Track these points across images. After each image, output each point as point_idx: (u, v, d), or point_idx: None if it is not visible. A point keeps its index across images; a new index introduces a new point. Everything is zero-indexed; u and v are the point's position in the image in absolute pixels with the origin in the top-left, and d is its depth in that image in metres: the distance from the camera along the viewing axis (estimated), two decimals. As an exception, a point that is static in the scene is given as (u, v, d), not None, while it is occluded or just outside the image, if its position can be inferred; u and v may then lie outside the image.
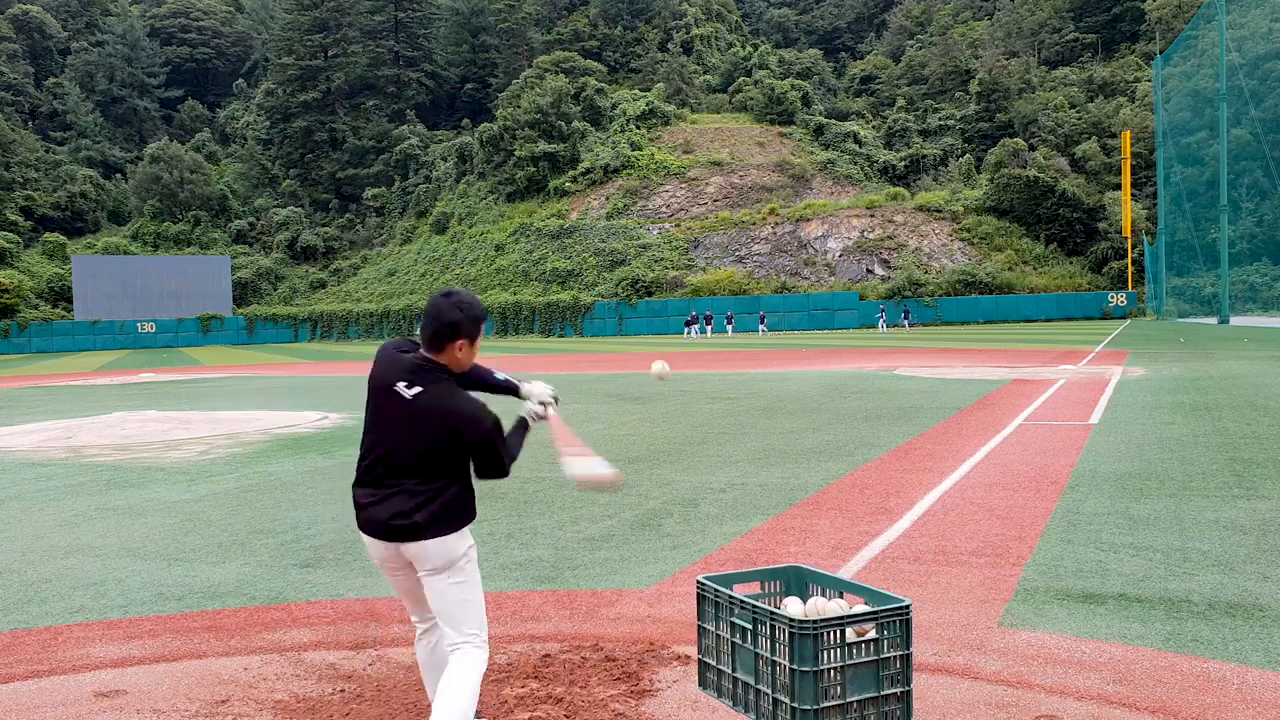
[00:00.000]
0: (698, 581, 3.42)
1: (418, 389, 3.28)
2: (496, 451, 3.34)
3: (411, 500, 3.31)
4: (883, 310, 59.55)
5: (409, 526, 3.32)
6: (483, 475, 3.40)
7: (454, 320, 3.31)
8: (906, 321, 59.24)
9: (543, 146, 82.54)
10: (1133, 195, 66.29)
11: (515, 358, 38.02)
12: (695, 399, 17.20)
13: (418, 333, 3.44)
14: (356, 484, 3.48)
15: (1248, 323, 49.70)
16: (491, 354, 42.56)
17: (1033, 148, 75.99)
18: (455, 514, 3.40)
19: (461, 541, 3.44)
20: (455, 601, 3.41)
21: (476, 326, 3.36)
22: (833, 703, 2.98)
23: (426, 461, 3.31)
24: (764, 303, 65.68)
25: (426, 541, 3.34)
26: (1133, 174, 67.65)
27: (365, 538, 3.49)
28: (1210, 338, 35.15)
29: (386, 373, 3.36)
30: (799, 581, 3.51)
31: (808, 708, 2.96)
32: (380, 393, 3.37)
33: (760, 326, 60.67)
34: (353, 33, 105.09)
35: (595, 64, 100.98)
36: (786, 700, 3.00)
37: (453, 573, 3.41)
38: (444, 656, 3.48)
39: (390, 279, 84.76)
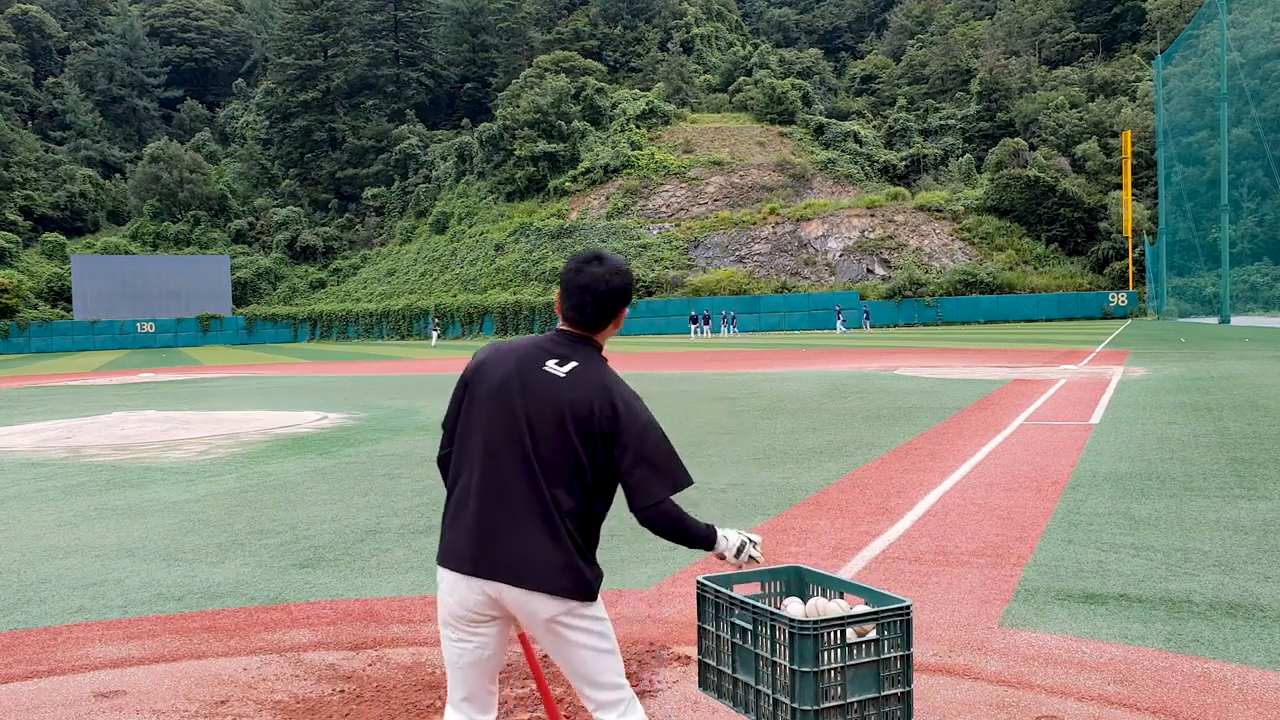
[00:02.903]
0: (698, 582, 3.41)
1: (572, 364, 2.76)
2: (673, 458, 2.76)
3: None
4: (839, 310, 59.33)
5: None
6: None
7: (620, 290, 2.82)
8: (868, 323, 59.25)
9: (543, 146, 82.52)
10: (1134, 195, 66.28)
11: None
12: (695, 399, 17.19)
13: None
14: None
15: (1249, 322, 49.68)
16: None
17: (1033, 147, 75.97)
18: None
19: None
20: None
21: (632, 289, 2.92)
22: (833, 703, 2.97)
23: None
24: (764, 302, 65.69)
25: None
26: (1134, 174, 67.63)
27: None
28: (1211, 338, 35.14)
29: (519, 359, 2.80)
30: (799, 582, 3.51)
31: (808, 708, 2.95)
32: (509, 389, 2.75)
33: (731, 327, 59.72)
34: (352, 32, 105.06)
35: (595, 64, 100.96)
36: (787, 701, 3.00)
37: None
38: None
39: (390, 279, 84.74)
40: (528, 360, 2.77)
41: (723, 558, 2.92)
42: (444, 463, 2.90)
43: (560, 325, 2.88)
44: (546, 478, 2.67)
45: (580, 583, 2.69)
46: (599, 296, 2.79)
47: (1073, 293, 63.84)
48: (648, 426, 2.74)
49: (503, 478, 2.70)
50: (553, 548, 2.67)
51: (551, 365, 2.76)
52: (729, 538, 2.92)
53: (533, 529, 2.67)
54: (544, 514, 2.67)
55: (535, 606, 2.68)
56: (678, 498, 2.77)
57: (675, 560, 6.27)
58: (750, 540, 2.97)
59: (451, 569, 2.73)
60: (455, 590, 2.72)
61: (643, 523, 2.72)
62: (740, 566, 3.01)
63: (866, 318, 59.98)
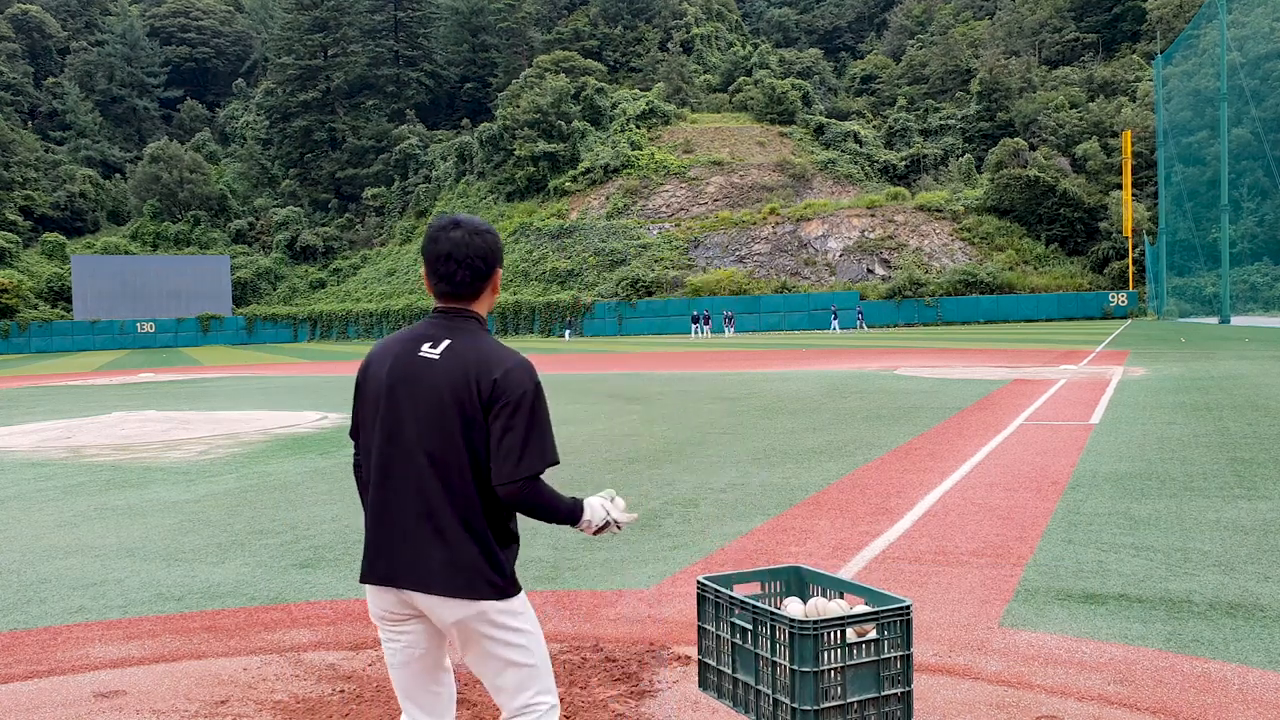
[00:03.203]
0: (698, 582, 3.41)
1: (446, 343, 2.62)
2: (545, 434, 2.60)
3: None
4: (835, 310, 59.43)
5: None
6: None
7: (486, 250, 2.67)
8: (862, 323, 59.16)
9: (543, 146, 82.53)
10: (1134, 195, 66.28)
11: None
12: (695, 399, 17.19)
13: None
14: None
15: (1249, 322, 49.68)
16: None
17: (1033, 147, 75.97)
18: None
19: None
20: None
21: (502, 249, 2.77)
22: (833, 703, 2.97)
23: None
24: (764, 302, 65.70)
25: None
26: (1134, 174, 67.63)
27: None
28: (1211, 338, 35.13)
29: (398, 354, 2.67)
30: (799, 582, 3.51)
31: (808, 708, 2.95)
32: (390, 383, 2.65)
33: (704, 327, 59.10)
34: (352, 32, 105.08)
35: (595, 64, 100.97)
36: (787, 701, 3.00)
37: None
38: None
39: (390, 279, 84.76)
40: (404, 351, 2.65)
41: (587, 529, 2.75)
42: (357, 470, 2.80)
43: (435, 306, 2.73)
44: (439, 472, 2.55)
45: (483, 580, 2.55)
46: (464, 261, 2.63)
47: (1073, 293, 63.85)
48: (524, 396, 2.55)
49: (397, 479, 2.60)
50: (451, 547, 2.54)
51: (425, 349, 2.62)
52: (593, 509, 2.73)
53: (429, 529, 2.55)
54: (439, 511, 2.55)
55: (441, 611, 2.57)
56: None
57: (675, 560, 6.27)
58: (612, 520, 2.77)
59: (364, 581, 2.66)
60: (374, 594, 2.68)
61: (504, 498, 2.55)
62: (610, 529, 2.79)
63: (860, 317, 59.97)
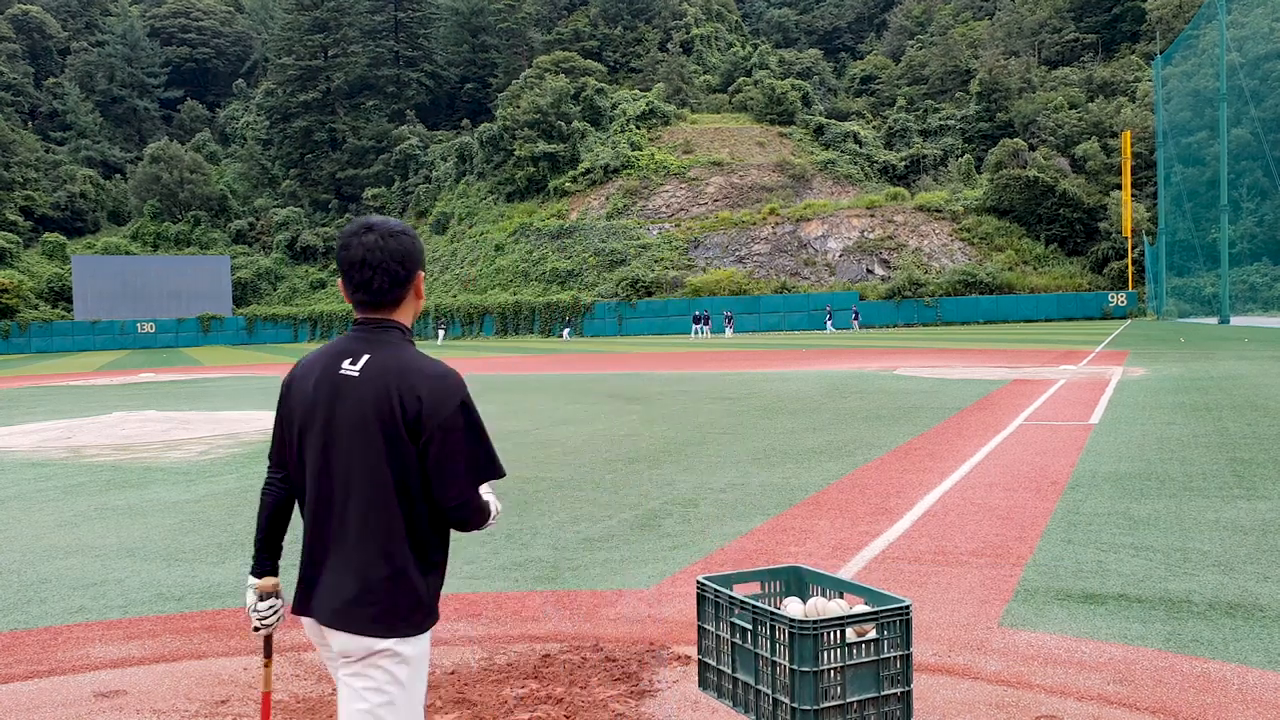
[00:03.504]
0: (698, 582, 3.42)
1: (365, 357, 2.45)
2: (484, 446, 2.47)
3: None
4: (829, 310, 59.38)
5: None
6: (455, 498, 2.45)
7: (404, 253, 2.49)
8: (857, 323, 59.06)
9: (543, 146, 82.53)
10: (1133, 195, 66.28)
11: (516, 358, 37.99)
12: (695, 399, 17.19)
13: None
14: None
15: (1248, 323, 49.68)
16: (494, 354, 42.56)
17: (1033, 148, 75.96)
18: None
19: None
20: None
21: (422, 252, 2.60)
22: (833, 703, 2.98)
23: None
24: (764, 303, 65.70)
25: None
26: (1133, 174, 67.63)
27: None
28: (1210, 338, 35.14)
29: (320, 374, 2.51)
30: (799, 582, 3.51)
31: (808, 708, 2.96)
32: (312, 404, 2.48)
33: (704, 327, 58.86)
34: (353, 33, 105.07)
35: (595, 64, 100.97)
36: (787, 700, 3.00)
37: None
38: None
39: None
40: (327, 368, 2.47)
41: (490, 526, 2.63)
42: (266, 491, 2.63)
43: (355, 317, 2.56)
44: (362, 496, 2.39)
45: (394, 615, 2.39)
46: (380, 267, 2.45)
47: (1072, 293, 63.85)
48: (456, 410, 2.40)
49: (321, 505, 2.45)
50: (367, 576, 2.38)
51: (346, 366, 2.44)
52: (494, 503, 2.58)
53: (348, 557, 2.40)
54: (361, 538, 2.39)
55: (345, 644, 2.41)
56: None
57: (675, 560, 6.28)
58: (495, 511, 2.58)
59: (294, 612, 2.55)
60: (306, 626, 2.55)
61: (454, 517, 2.44)
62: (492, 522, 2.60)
63: (855, 318, 59.79)
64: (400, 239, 2.50)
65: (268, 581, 2.67)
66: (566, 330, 65.11)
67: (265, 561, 2.68)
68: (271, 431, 2.65)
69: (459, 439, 2.40)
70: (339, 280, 2.57)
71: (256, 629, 2.68)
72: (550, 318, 69.78)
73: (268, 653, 2.85)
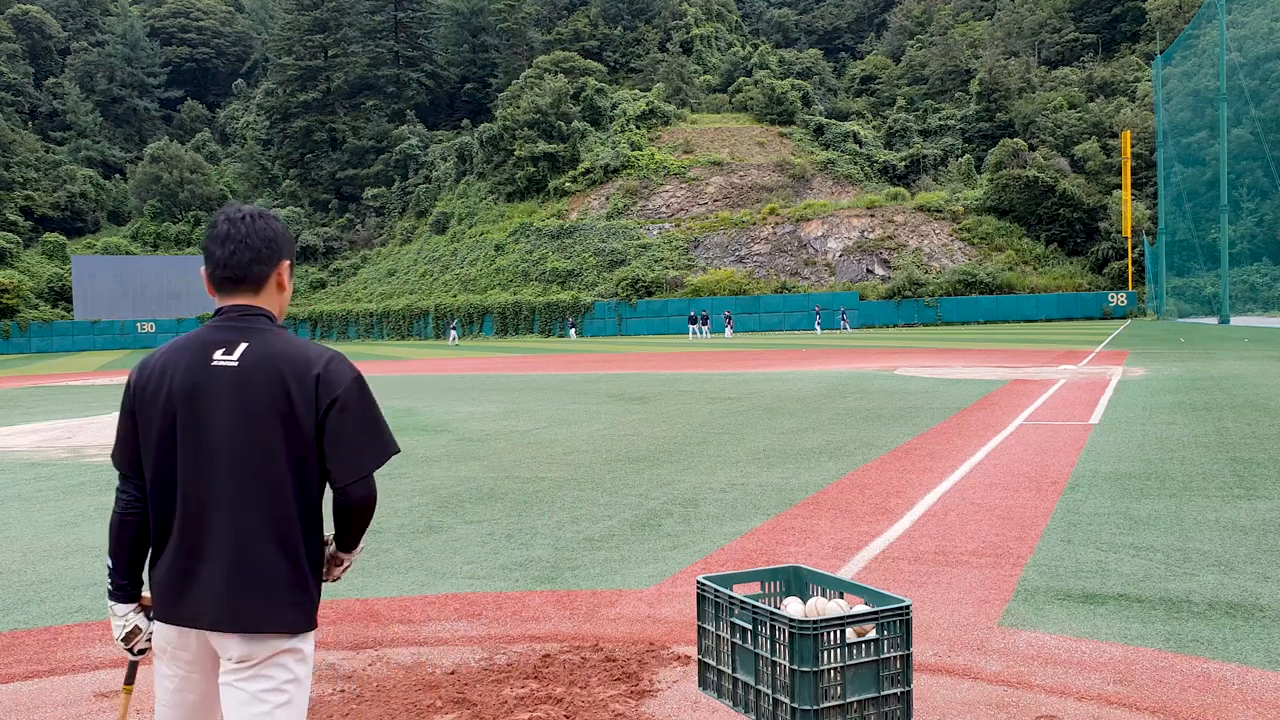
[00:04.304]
0: (698, 582, 3.42)
1: (243, 345, 2.37)
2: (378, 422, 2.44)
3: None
4: (818, 310, 59.35)
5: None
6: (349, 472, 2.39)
7: (270, 235, 2.44)
8: (846, 325, 58.88)
9: (543, 146, 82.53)
10: (1133, 195, 66.28)
11: (515, 358, 37.98)
12: (695, 399, 17.20)
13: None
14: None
15: (1248, 323, 49.68)
16: (494, 354, 42.56)
17: (1033, 148, 75.96)
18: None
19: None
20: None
21: (291, 243, 2.53)
22: (833, 703, 2.98)
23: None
24: (764, 303, 65.69)
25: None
26: (1133, 174, 67.64)
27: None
28: (1210, 338, 35.14)
29: (188, 365, 2.37)
30: (799, 582, 3.51)
31: (808, 708, 2.96)
32: (182, 399, 2.34)
33: (703, 328, 58.54)
34: (353, 33, 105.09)
35: (595, 64, 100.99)
36: (787, 700, 3.00)
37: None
38: None
39: (390, 279, 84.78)
40: (193, 361, 2.35)
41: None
42: (127, 505, 2.43)
43: (218, 305, 2.46)
44: (254, 492, 2.31)
45: (292, 608, 2.33)
46: (242, 241, 2.39)
47: (1072, 293, 63.85)
48: (352, 386, 2.37)
49: (203, 504, 2.32)
50: (262, 574, 2.31)
51: (220, 357, 2.34)
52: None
53: (241, 557, 2.31)
54: (254, 535, 2.31)
55: (234, 647, 2.31)
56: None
57: (675, 560, 6.28)
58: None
59: (160, 620, 2.40)
60: (161, 628, 2.41)
61: (352, 498, 2.37)
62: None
63: (844, 319, 59.32)
64: (269, 221, 2.46)
65: (147, 597, 2.50)
66: (572, 330, 64.91)
67: (138, 580, 2.49)
68: (116, 439, 2.47)
69: (357, 415, 2.37)
70: (202, 269, 2.49)
71: (139, 653, 2.53)
72: (550, 317, 69.76)
73: (131, 678, 2.71)
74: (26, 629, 5.27)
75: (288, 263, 2.50)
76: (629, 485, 8.88)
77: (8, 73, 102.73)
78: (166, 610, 2.37)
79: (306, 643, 2.38)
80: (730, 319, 60.76)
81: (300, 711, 2.35)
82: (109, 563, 2.47)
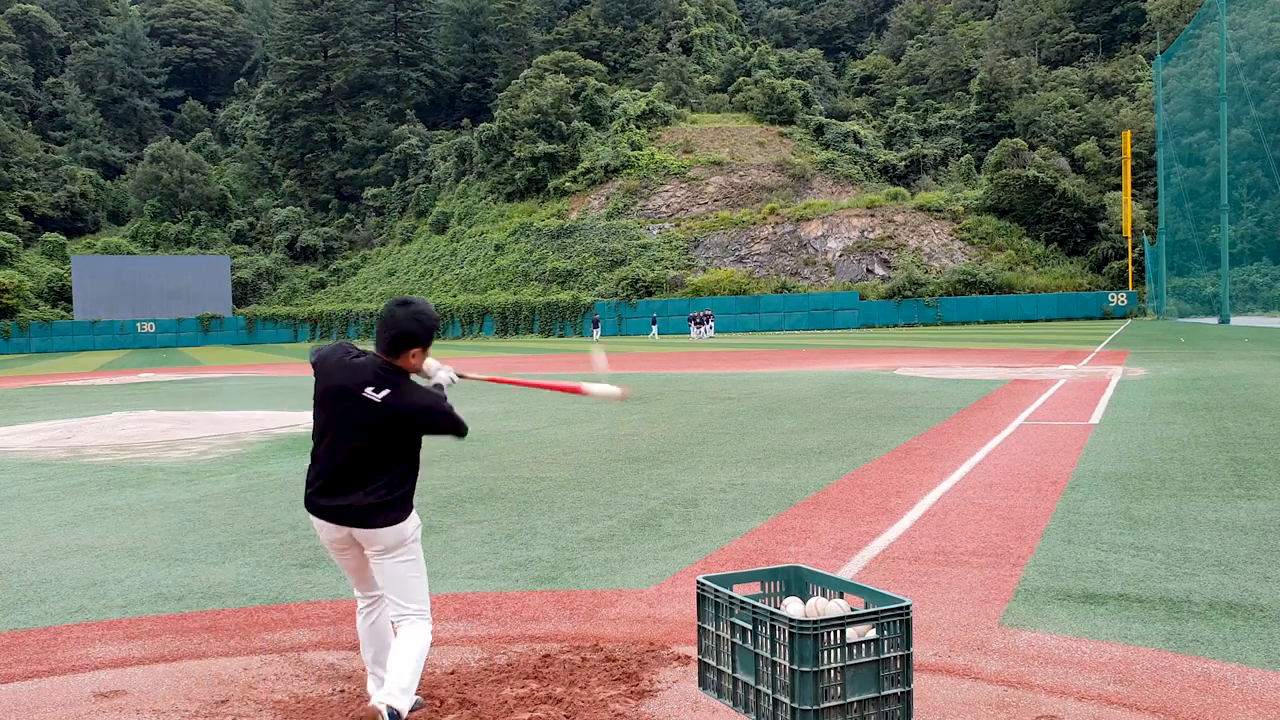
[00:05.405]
0: (698, 582, 3.42)
1: (385, 391, 3.62)
2: (456, 420, 3.77)
3: (373, 495, 3.68)
4: (655, 318, 59.54)
5: (367, 512, 3.68)
6: (447, 434, 3.82)
7: (412, 330, 3.68)
8: (706, 331, 56.68)
9: (543, 146, 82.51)
10: (1133, 195, 66.28)
11: (515, 358, 37.98)
12: (695, 399, 17.20)
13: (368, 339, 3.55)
14: (318, 480, 3.74)
15: (1248, 323, 49.69)
16: (493, 354, 42.57)
17: (1033, 147, 75.96)
18: (408, 502, 3.80)
19: (410, 523, 3.80)
20: (402, 577, 3.76)
21: (431, 337, 3.74)
22: (833, 703, 2.98)
23: (394, 457, 3.69)
24: (764, 303, 65.65)
25: (382, 529, 3.70)
26: (1133, 174, 67.63)
27: (315, 520, 3.79)
28: (1211, 338, 35.14)
29: (347, 378, 3.67)
30: (799, 582, 3.51)
31: (808, 708, 2.96)
32: (341, 397, 3.68)
33: (704, 329, 57.81)
34: (353, 32, 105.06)
35: (595, 64, 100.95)
36: (787, 700, 3.00)
37: (403, 551, 3.77)
38: (384, 630, 3.93)
39: (390, 279, 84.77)
40: (351, 384, 3.68)
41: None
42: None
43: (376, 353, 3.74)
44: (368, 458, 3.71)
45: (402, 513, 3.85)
46: (390, 331, 3.69)
47: (1072, 293, 63.86)
48: (439, 415, 3.73)
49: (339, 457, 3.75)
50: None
51: (369, 392, 3.63)
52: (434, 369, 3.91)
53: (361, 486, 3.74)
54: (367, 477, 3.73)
55: (386, 538, 3.77)
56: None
57: (675, 560, 6.28)
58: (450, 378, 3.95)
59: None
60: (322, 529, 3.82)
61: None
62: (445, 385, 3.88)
63: (695, 324, 57.68)
64: (417, 322, 3.74)
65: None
66: (597, 331, 62.79)
67: None
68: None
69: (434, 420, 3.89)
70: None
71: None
72: (550, 317, 69.66)
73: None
74: (26, 629, 5.27)
75: (418, 349, 3.79)
76: (629, 485, 8.88)
77: (8, 73, 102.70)
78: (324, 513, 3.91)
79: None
80: (709, 318, 58.48)
81: (410, 564, 3.84)
82: None
